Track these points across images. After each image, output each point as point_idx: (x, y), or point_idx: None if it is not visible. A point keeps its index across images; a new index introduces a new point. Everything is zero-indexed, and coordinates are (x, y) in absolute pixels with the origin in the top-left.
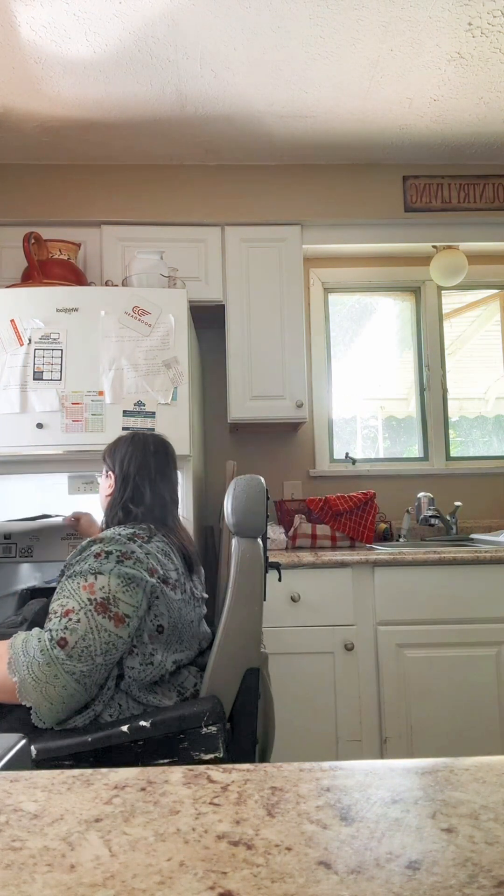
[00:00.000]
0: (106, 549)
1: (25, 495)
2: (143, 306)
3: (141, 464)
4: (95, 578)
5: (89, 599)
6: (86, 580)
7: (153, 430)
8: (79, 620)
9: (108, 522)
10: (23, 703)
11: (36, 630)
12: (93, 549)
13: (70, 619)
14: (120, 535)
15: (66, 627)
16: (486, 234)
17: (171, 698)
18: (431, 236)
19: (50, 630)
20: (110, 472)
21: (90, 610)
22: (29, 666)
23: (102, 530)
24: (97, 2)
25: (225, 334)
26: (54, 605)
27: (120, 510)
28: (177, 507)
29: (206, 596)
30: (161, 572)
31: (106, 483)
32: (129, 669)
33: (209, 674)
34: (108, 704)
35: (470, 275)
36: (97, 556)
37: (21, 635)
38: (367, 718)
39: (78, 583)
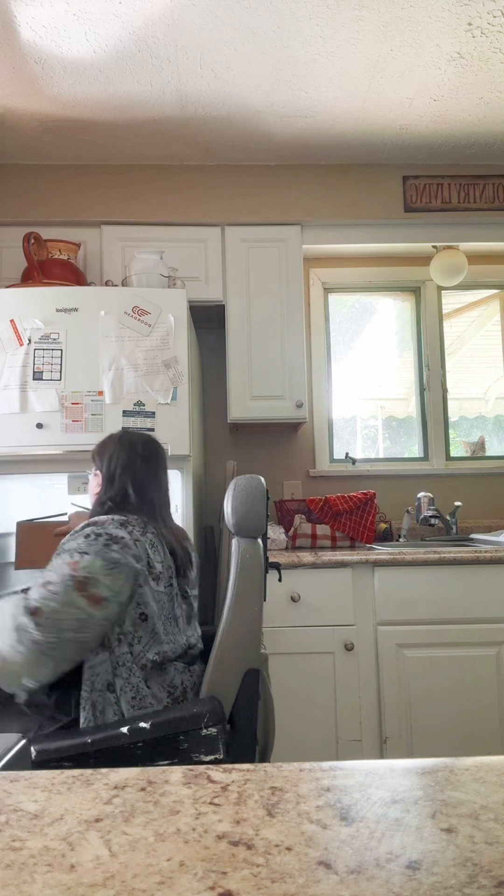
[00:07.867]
0: (97, 532)
1: (25, 495)
2: (142, 306)
3: (126, 464)
4: (81, 557)
5: (70, 576)
6: (72, 557)
7: (153, 430)
8: (56, 593)
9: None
10: None
11: (17, 596)
12: (85, 530)
13: (49, 591)
14: (114, 519)
15: (43, 597)
16: (486, 234)
17: (162, 700)
18: (431, 236)
19: (28, 598)
20: (98, 472)
21: (69, 585)
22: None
23: None
24: (97, 2)
25: (225, 334)
26: (39, 579)
27: (108, 506)
28: (168, 508)
29: (195, 595)
30: (147, 560)
31: (94, 482)
32: (122, 656)
33: (209, 674)
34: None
35: (470, 275)
36: (87, 536)
37: (2, 602)
38: (367, 718)
39: (64, 559)
